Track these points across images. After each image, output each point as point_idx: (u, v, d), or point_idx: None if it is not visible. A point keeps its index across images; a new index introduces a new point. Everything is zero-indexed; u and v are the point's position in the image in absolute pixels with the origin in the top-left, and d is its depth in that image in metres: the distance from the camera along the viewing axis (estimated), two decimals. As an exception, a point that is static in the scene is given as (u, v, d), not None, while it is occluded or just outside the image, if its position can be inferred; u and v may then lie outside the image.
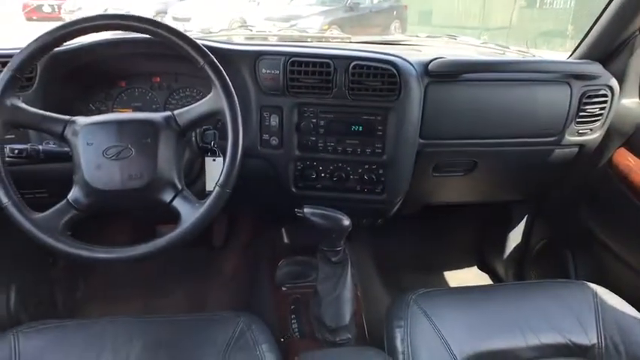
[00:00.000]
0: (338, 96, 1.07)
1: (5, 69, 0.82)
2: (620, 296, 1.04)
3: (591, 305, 1.02)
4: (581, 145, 1.26)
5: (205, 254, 1.80)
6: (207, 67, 0.85)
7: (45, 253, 1.52)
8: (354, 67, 1.04)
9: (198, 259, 1.78)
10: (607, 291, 1.05)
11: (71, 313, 1.61)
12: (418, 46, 1.45)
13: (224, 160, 0.86)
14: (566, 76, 1.17)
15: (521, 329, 0.98)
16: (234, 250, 1.80)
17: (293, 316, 1.24)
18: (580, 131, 1.23)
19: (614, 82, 1.20)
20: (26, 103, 0.86)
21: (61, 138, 0.86)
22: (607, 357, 0.95)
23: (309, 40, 1.41)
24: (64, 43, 0.89)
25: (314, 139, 1.11)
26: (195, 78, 1.17)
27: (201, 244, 1.79)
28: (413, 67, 1.08)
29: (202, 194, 0.91)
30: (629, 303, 1.02)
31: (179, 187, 0.88)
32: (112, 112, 1.18)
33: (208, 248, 1.81)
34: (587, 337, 0.97)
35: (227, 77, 0.86)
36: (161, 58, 1.13)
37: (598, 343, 0.97)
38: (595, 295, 1.03)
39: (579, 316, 1.00)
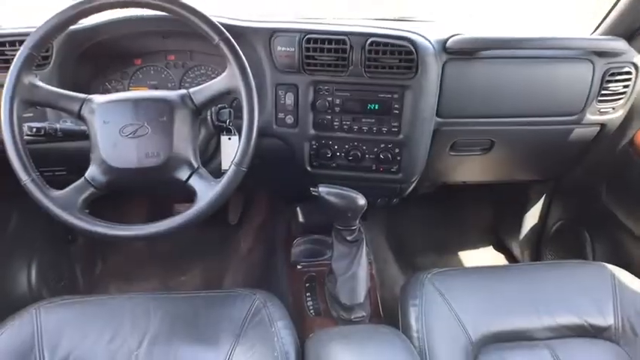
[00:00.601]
0: (354, 74, 1.05)
1: (22, 47, 0.83)
2: (638, 277, 1.03)
3: (609, 286, 1.01)
4: (602, 125, 1.23)
5: (221, 232, 1.82)
6: (222, 45, 0.85)
7: (64, 230, 1.56)
8: (371, 43, 1.02)
9: (213, 237, 1.80)
10: (625, 272, 1.04)
11: (90, 290, 1.65)
12: (434, 23, 1.42)
13: (239, 139, 0.86)
14: (588, 53, 1.13)
15: (536, 309, 0.98)
16: (250, 229, 1.82)
17: (308, 293, 1.25)
18: (601, 110, 1.20)
19: (639, 60, 1.17)
20: (42, 82, 0.86)
21: (78, 116, 0.87)
22: (623, 338, 0.95)
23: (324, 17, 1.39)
24: (80, 21, 0.89)
25: (329, 117, 1.10)
26: (210, 56, 1.16)
27: (216, 222, 1.81)
28: (431, 43, 1.06)
29: (218, 173, 0.91)
30: None
31: (195, 165, 0.88)
32: (128, 90, 1.18)
33: (224, 226, 1.83)
34: (604, 318, 0.97)
35: (242, 55, 0.85)
36: (176, 35, 1.12)
37: (615, 324, 0.96)
38: (613, 276, 1.02)
39: (596, 298, 1.00)
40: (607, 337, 0.96)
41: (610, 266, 1.05)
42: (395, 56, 1.03)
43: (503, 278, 1.06)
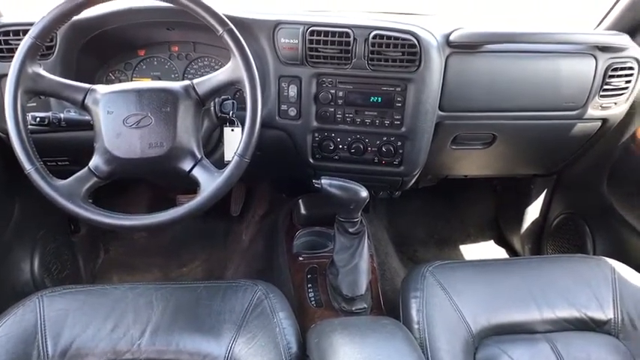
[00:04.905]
0: (357, 66, 1.05)
1: (26, 36, 0.83)
2: (638, 271, 1.04)
3: (609, 280, 1.02)
4: (604, 120, 1.23)
5: (223, 224, 1.82)
6: (226, 36, 0.85)
7: (67, 220, 1.57)
8: (374, 36, 1.02)
9: (215, 229, 1.81)
10: (625, 267, 1.05)
11: (92, 280, 1.65)
12: (437, 16, 1.42)
13: (242, 130, 0.87)
14: (591, 48, 1.13)
15: (536, 303, 0.99)
16: (252, 220, 1.83)
17: (309, 285, 1.26)
18: (604, 105, 1.20)
19: None
20: (46, 72, 0.86)
21: (82, 106, 0.87)
22: (623, 332, 0.96)
23: (328, 10, 1.39)
24: (84, 12, 0.89)
25: (332, 110, 1.10)
26: (213, 47, 1.16)
27: (218, 214, 1.81)
28: (434, 37, 1.06)
29: (221, 164, 0.92)
30: None
31: (198, 156, 0.88)
32: (132, 81, 1.18)
33: (226, 218, 1.84)
34: (604, 311, 0.98)
35: (246, 46, 0.86)
36: (179, 27, 1.12)
37: (614, 318, 0.97)
38: (613, 270, 1.03)
39: (596, 291, 1.00)
40: (606, 330, 0.96)
41: (610, 260, 1.06)
42: (398, 49, 1.03)
43: (504, 271, 1.06)
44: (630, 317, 0.96)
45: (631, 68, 1.17)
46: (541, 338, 0.95)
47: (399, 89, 1.07)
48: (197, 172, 0.87)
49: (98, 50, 1.13)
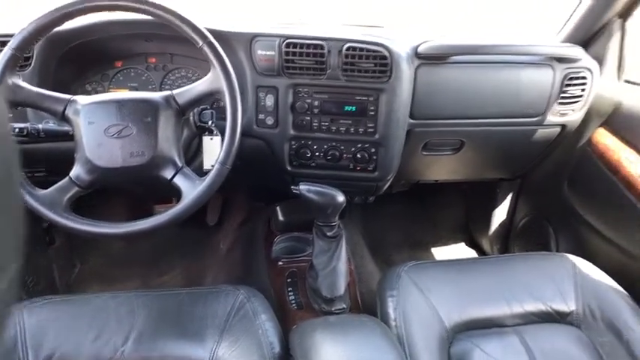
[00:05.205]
0: (332, 77, 1.10)
1: (6, 48, 0.83)
2: (597, 266, 1.11)
3: (570, 275, 1.08)
4: (562, 125, 1.31)
5: (200, 233, 1.83)
6: (206, 48, 0.88)
7: (42, 231, 1.55)
8: (348, 49, 1.07)
9: (193, 238, 1.81)
10: (585, 262, 1.12)
11: (69, 292, 1.63)
12: (407, 29, 1.48)
13: (221, 139, 0.90)
14: (549, 59, 1.21)
15: (505, 298, 1.04)
16: (229, 229, 1.84)
17: (289, 288, 1.29)
18: (562, 112, 1.28)
19: (594, 65, 1.25)
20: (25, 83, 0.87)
21: (62, 117, 0.88)
22: (585, 322, 1.02)
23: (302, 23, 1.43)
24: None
25: (308, 118, 1.14)
26: (190, 59, 1.19)
27: (195, 224, 1.82)
28: (404, 49, 1.11)
29: (200, 172, 0.94)
30: (605, 272, 1.09)
31: (179, 164, 0.90)
32: (108, 92, 1.19)
33: (203, 227, 1.84)
34: (567, 304, 1.04)
35: (226, 58, 0.89)
36: (157, 38, 1.14)
37: (576, 309, 1.03)
38: (574, 266, 1.10)
39: (559, 286, 1.07)
40: (570, 321, 1.03)
41: (571, 257, 1.13)
42: (370, 61, 1.08)
43: (474, 270, 1.12)
44: (591, 309, 1.03)
45: (584, 78, 1.25)
46: (510, 331, 1.00)
47: (371, 99, 1.12)
48: (178, 180, 0.89)
49: (75, 61, 1.14)
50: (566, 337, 1.00)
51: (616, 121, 1.28)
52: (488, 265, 1.14)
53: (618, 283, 1.06)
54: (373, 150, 1.17)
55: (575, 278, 1.07)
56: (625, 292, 1.04)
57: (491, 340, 0.98)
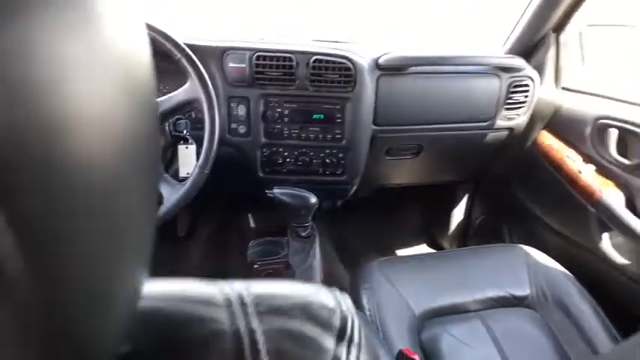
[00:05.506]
0: (300, 87, 1.17)
1: None
2: (547, 255, 1.22)
3: (524, 263, 1.19)
4: (510, 129, 1.44)
5: (170, 244, 1.83)
6: (183, 60, 0.93)
7: None
8: (315, 61, 1.15)
9: (164, 250, 1.81)
10: (536, 251, 1.23)
11: None
12: (368, 44, 1.58)
13: (197, 148, 0.94)
14: (495, 69, 1.33)
15: (468, 286, 1.13)
16: (199, 239, 1.85)
17: None
18: (508, 116, 1.40)
19: (534, 74, 1.38)
20: None
21: None
22: (538, 303, 1.12)
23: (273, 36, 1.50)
24: None
25: (279, 126, 1.21)
26: (160, 73, 1.23)
27: (165, 235, 1.81)
28: (365, 61, 1.20)
29: (175, 180, 0.98)
30: (554, 259, 1.21)
31: (159, 171, 0.94)
32: None
33: (173, 239, 1.85)
34: (522, 289, 1.14)
35: (202, 68, 0.94)
36: None
37: (531, 293, 1.13)
38: (527, 255, 1.21)
39: (515, 273, 1.17)
40: (526, 304, 1.13)
41: (524, 247, 1.24)
42: (336, 72, 1.16)
43: (439, 263, 1.21)
44: (543, 292, 1.14)
45: (527, 85, 1.38)
46: (474, 316, 1.09)
47: (338, 107, 1.20)
48: (159, 186, 0.93)
49: None
50: (523, 319, 1.09)
51: (556, 123, 1.42)
52: (451, 258, 1.24)
53: (565, 268, 1.18)
54: (341, 155, 1.25)
55: (528, 266, 1.18)
56: (572, 276, 1.15)
57: (458, 324, 1.06)
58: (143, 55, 0.21)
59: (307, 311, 0.28)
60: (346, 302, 0.30)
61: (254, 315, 0.27)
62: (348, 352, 0.28)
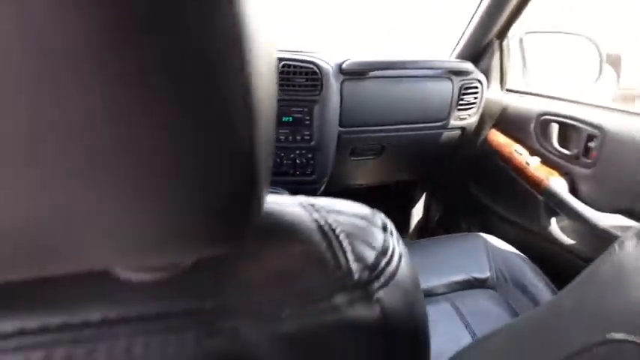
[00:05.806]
0: None
1: None
2: (503, 240, 1.33)
3: (483, 249, 1.28)
4: (463, 128, 1.55)
5: None
6: None
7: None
8: (283, 66, 1.21)
9: None
10: (494, 238, 1.33)
11: None
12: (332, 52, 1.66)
13: None
14: (448, 72, 1.45)
15: (434, 272, 1.21)
16: None
17: None
18: (461, 117, 1.52)
19: (482, 77, 1.51)
20: None
21: None
22: (498, 284, 1.22)
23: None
24: None
25: None
26: None
27: None
28: (330, 66, 1.28)
29: None
30: (508, 243, 1.31)
31: None
32: None
33: None
34: (483, 272, 1.23)
35: None
36: None
37: (491, 275, 1.23)
38: (485, 241, 1.31)
39: (476, 258, 1.26)
40: (487, 286, 1.22)
41: (483, 234, 1.34)
42: (303, 76, 1.23)
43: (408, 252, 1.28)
44: (502, 273, 1.23)
45: (476, 87, 1.50)
46: (442, 299, 1.17)
47: (306, 109, 1.27)
48: None
49: None
50: (487, 299, 1.18)
51: (504, 122, 1.55)
52: (417, 247, 1.32)
53: (520, 252, 1.28)
54: (310, 155, 1.31)
55: (487, 251, 1.28)
56: (526, 258, 1.26)
57: (428, 307, 1.11)
58: None
59: (361, 214, 0.36)
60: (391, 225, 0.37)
61: (323, 211, 0.33)
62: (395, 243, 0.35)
